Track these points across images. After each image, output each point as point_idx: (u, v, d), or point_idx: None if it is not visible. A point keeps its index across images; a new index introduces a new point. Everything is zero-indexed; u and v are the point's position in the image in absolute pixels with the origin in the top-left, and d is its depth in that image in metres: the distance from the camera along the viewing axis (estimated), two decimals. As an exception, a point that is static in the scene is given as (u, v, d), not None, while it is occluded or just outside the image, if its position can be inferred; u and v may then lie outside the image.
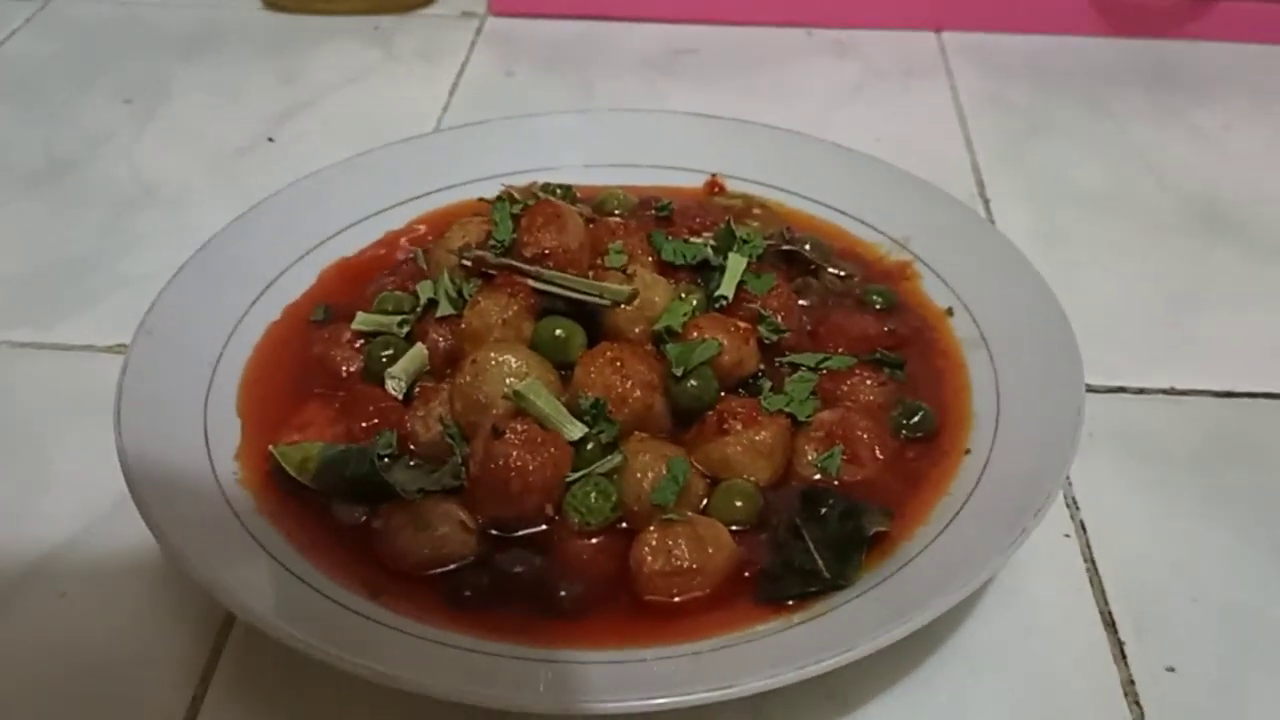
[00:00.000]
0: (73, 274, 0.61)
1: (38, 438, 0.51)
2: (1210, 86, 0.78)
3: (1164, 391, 0.54)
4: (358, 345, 0.49)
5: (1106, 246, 0.64)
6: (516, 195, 0.51)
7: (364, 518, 0.43)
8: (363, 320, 0.49)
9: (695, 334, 0.45)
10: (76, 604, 0.45)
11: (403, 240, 0.57)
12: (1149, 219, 0.66)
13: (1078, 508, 0.48)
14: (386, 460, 0.43)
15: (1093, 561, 0.46)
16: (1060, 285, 0.54)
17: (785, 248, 0.54)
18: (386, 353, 0.48)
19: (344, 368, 0.49)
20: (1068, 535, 0.47)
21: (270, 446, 0.44)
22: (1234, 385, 0.54)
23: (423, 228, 0.58)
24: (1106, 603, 0.45)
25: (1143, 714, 0.41)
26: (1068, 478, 0.49)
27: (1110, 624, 0.44)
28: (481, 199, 0.52)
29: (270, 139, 0.72)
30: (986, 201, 0.66)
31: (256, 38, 0.83)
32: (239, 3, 0.87)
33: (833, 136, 0.62)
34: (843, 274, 0.54)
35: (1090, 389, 0.53)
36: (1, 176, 0.68)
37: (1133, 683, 0.42)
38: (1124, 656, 0.43)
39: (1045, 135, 0.73)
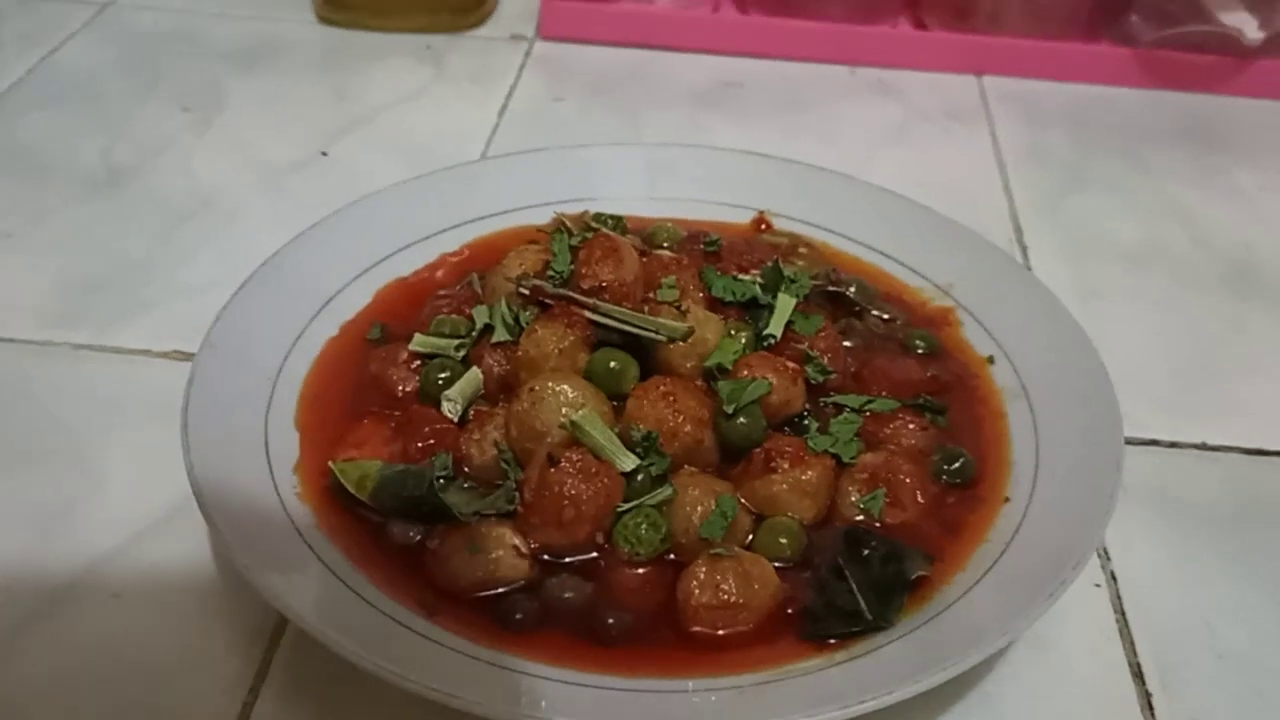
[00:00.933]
0: (130, 280, 0.62)
1: (93, 440, 0.52)
2: (1249, 145, 0.79)
3: (1196, 446, 0.55)
4: (414, 366, 0.50)
5: (1141, 301, 0.64)
6: (570, 225, 0.52)
7: (419, 537, 0.44)
8: (420, 342, 0.50)
9: (745, 372, 0.46)
10: (129, 606, 0.46)
11: (449, 261, 0.58)
12: (1184, 276, 0.67)
13: (1109, 558, 0.49)
14: (443, 482, 0.44)
15: (1122, 613, 0.47)
16: (1094, 337, 0.55)
17: (831, 289, 0.55)
18: (443, 375, 0.49)
19: (400, 387, 0.50)
20: (1098, 585, 0.48)
21: (330, 463, 0.46)
22: (1265, 444, 0.55)
23: (466, 251, 0.59)
24: (1135, 654, 0.46)
25: (1169, 767, 0.42)
26: (1100, 528, 0.50)
27: (1138, 675, 0.45)
28: (538, 229, 0.53)
29: (324, 153, 0.73)
30: (1024, 250, 0.67)
31: (310, 52, 0.85)
32: (293, 16, 0.89)
33: (874, 176, 0.63)
34: (886, 317, 0.55)
35: (1126, 441, 0.54)
36: (60, 180, 0.69)
37: (1159, 734, 0.43)
38: (1151, 708, 0.44)
39: (1084, 187, 0.74)
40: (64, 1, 0.89)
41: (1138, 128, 0.80)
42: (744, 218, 0.62)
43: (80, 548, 0.48)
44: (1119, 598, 0.48)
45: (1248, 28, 0.81)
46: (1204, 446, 0.55)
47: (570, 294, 0.48)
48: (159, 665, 0.44)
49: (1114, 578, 0.49)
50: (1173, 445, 0.55)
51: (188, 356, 0.55)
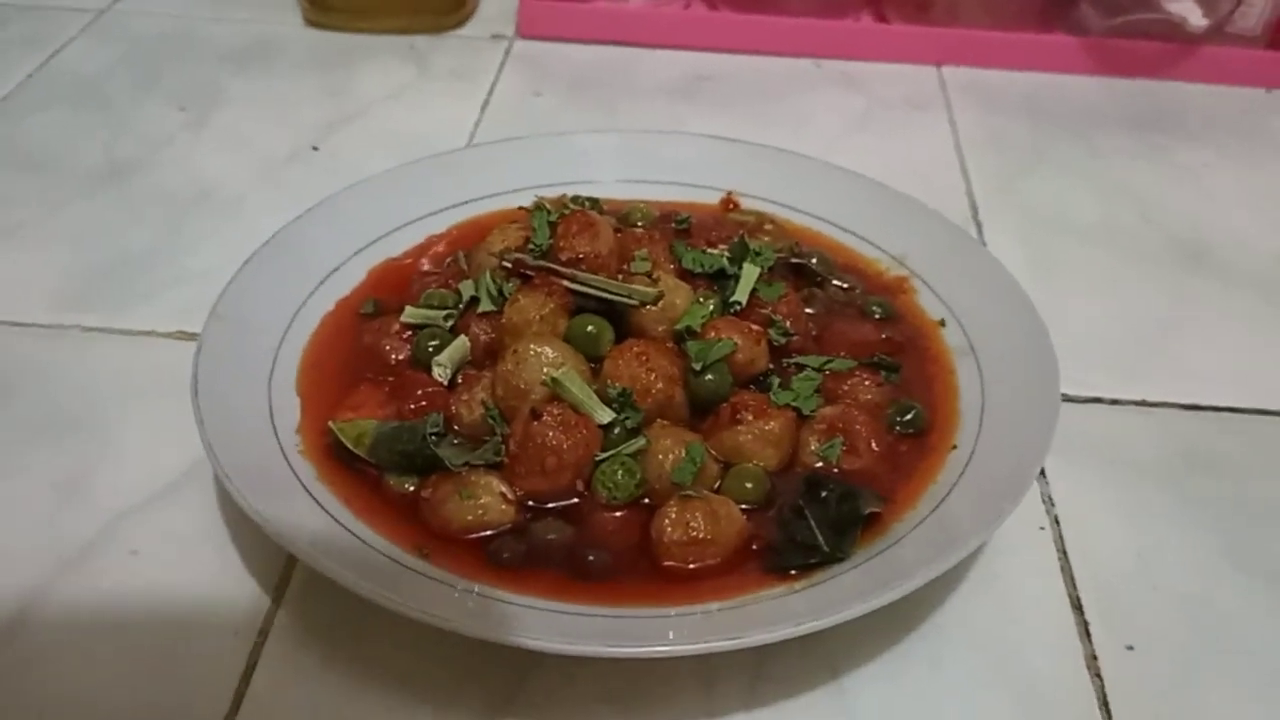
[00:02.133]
0: (135, 267, 0.65)
1: (107, 414, 0.56)
2: (1194, 126, 0.83)
3: (1136, 403, 0.59)
4: (405, 336, 0.54)
5: (1090, 274, 0.68)
6: (550, 206, 0.56)
7: (413, 488, 0.48)
8: (411, 314, 0.54)
9: (713, 334, 0.50)
10: (147, 560, 0.49)
11: (434, 245, 0.62)
12: (1132, 250, 0.71)
13: (1053, 504, 0.53)
14: (435, 437, 0.48)
15: (1064, 552, 0.51)
16: (1047, 307, 0.58)
17: (794, 261, 0.59)
18: (433, 343, 0.53)
19: (393, 356, 0.54)
20: (1042, 528, 0.52)
21: (329, 422, 0.49)
22: (1200, 400, 0.59)
23: (454, 232, 0.62)
24: (1075, 588, 0.49)
25: (1103, 685, 0.46)
26: (1044, 476, 0.54)
27: (1077, 607, 0.49)
28: (520, 208, 0.57)
29: (315, 148, 0.77)
30: (979, 227, 0.71)
31: (300, 53, 0.88)
32: (284, 19, 0.92)
33: (838, 162, 0.67)
34: (845, 286, 0.59)
35: (1070, 399, 0.59)
36: (66, 176, 0.73)
37: (1095, 658, 0.47)
38: (1088, 635, 0.48)
39: (1037, 168, 0.78)
40: (65, 7, 0.92)
41: (1089, 112, 0.84)
42: (713, 198, 0.65)
43: (99, 510, 0.51)
44: (1061, 538, 0.52)
45: (1192, 16, 0.85)
46: (1143, 403, 0.59)
47: (549, 265, 0.52)
48: (175, 613, 0.47)
49: (1057, 521, 0.52)
50: (1114, 402, 0.59)
51: (191, 336, 0.58)
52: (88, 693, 0.44)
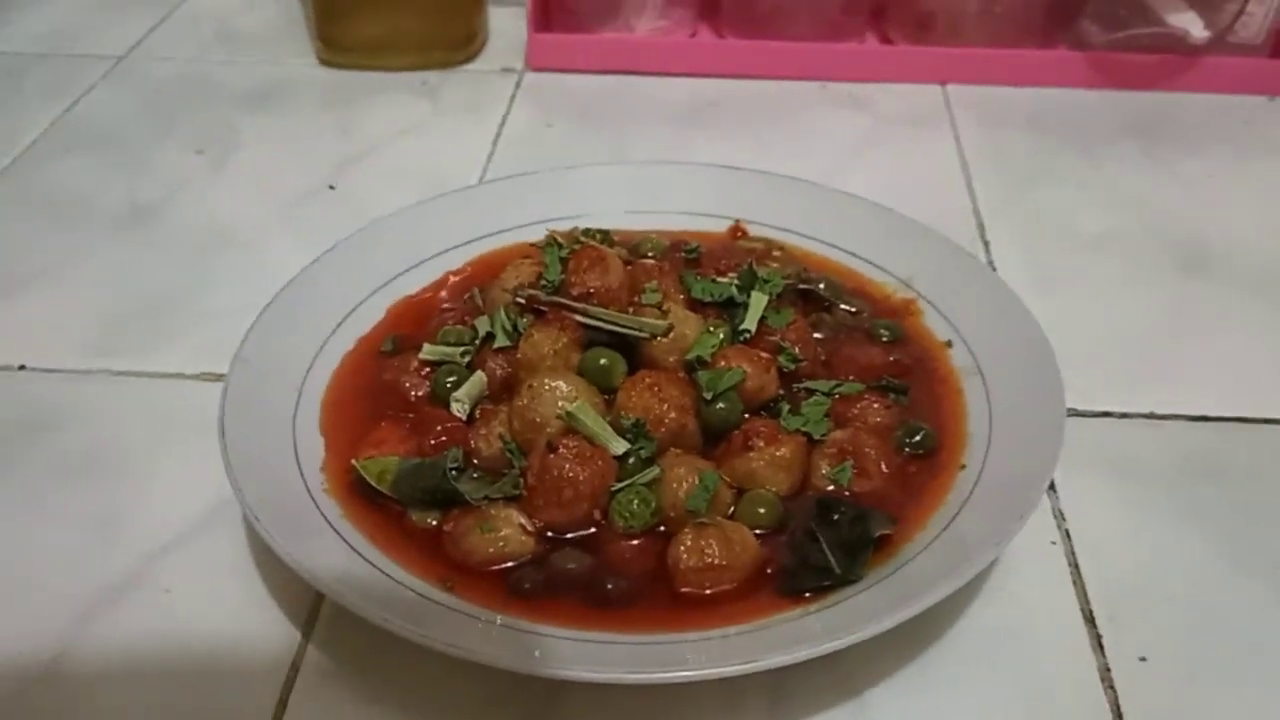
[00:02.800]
0: (161, 309, 0.67)
1: (137, 455, 0.57)
2: (1196, 137, 0.84)
3: (1144, 416, 0.60)
4: (424, 373, 0.56)
5: (1095, 285, 0.69)
6: (561, 240, 0.57)
7: (435, 522, 0.49)
8: (429, 351, 0.56)
9: (723, 363, 0.52)
10: (180, 598, 0.50)
11: (450, 279, 0.63)
12: (1137, 261, 0.71)
13: (1064, 518, 0.54)
14: (455, 472, 0.49)
15: (1076, 565, 0.52)
16: (1054, 321, 0.60)
17: (802, 286, 0.60)
18: (451, 379, 0.54)
19: (412, 392, 0.55)
20: (1054, 542, 0.53)
21: (353, 460, 0.51)
22: (1208, 410, 0.60)
23: (470, 268, 0.64)
24: (1087, 601, 0.50)
25: (1116, 696, 0.46)
26: (1054, 490, 0.55)
27: (1089, 619, 0.50)
28: (532, 244, 0.58)
29: (331, 186, 0.78)
30: (987, 244, 0.72)
31: (314, 92, 0.90)
32: (297, 60, 0.94)
33: (845, 183, 0.68)
34: (853, 310, 0.60)
35: (1077, 413, 0.60)
36: (91, 222, 0.75)
37: (1109, 669, 0.47)
38: (1101, 647, 0.48)
39: (1042, 183, 0.79)
40: (83, 56, 0.95)
41: (1092, 126, 0.85)
42: (721, 226, 0.67)
43: (131, 550, 0.52)
44: (1073, 553, 0.53)
45: (1193, 28, 0.86)
46: (1151, 415, 0.60)
47: (562, 300, 0.53)
48: (208, 649, 0.48)
49: (1068, 535, 0.53)
50: (1123, 416, 0.60)
51: (217, 377, 0.60)
52: (124, 729, 0.45)
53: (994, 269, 0.70)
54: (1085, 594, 0.51)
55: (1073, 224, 0.75)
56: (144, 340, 0.65)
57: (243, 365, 0.53)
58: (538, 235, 0.62)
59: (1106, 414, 0.60)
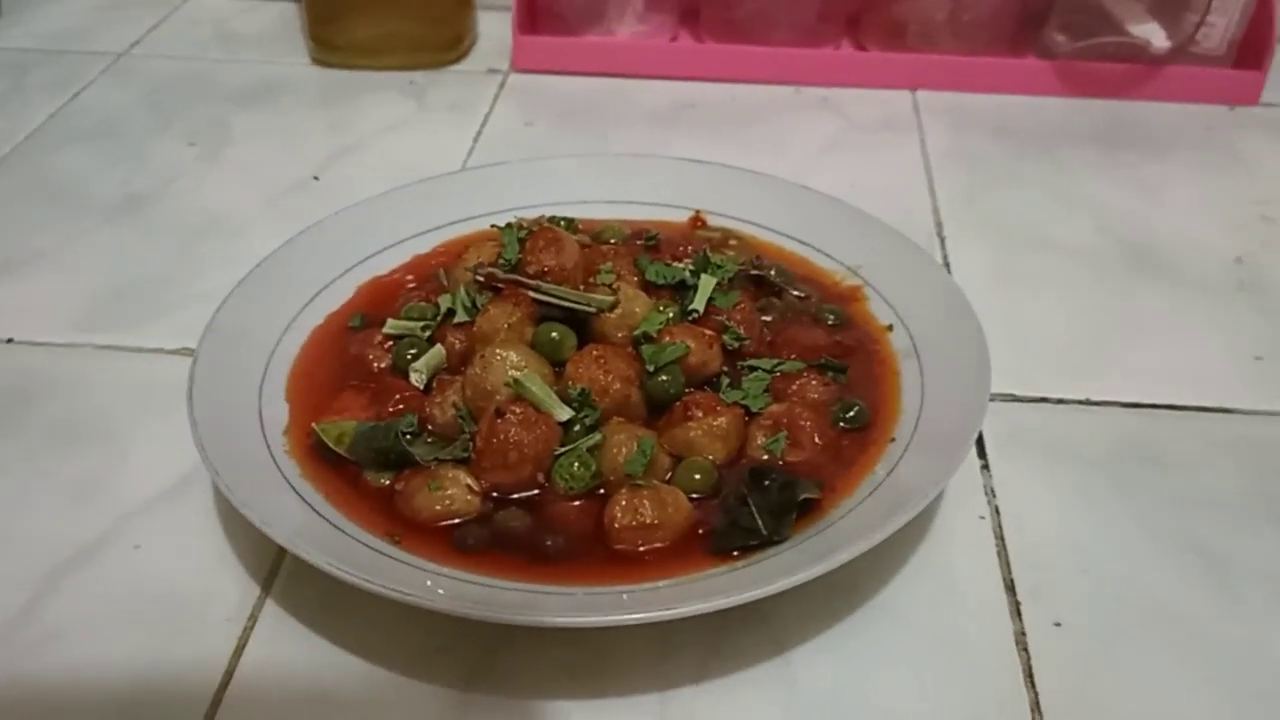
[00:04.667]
0: (147, 290, 0.70)
1: (116, 423, 0.60)
2: (1157, 143, 0.86)
3: (1080, 402, 0.62)
4: (387, 346, 0.58)
5: (1047, 283, 0.72)
6: (523, 224, 0.60)
7: (388, 482, 0.52)
8: (392, 325, 0.58)
9: (668, 338, 0.54)
10: (149, 554, 0.53)
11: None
12: (1089, 261, 0.74)
13: (994, 495, 0.57)
14: (409, 436, 0.52)
15: (1002, 539, 0.54)
16: (1002, 314, 0.63)
17: (754, 272, 0.63)
18: (411, 351, 0.57)
19: (375, 364, 0.58)
20: (982, 517, 0.55)
21: (313, 424, 0.54)
22: (1142, 398, 0.62)
23: (439, 251, 0.67)
24: (1009, 571, 0.53)
25: (1030, 659, 0.49)
26: (987, 469, 0.58)
27: (1010, 588, 0.52)
28: (494, 226, 0.61)
29: (315, 178, 0.82)
30: (943, 240, 0.75)
31: (305, 90, 0.94)
32: (290, 59, 0.98)
33: (812, 182, 0.70)
34: (802, 295, 0.63)
35: (1015, 398, 0.62)
36: (86, 208, 0.78)
37: (1024, 634, 0.50)
38: (1019, 613, 0.51)
39: (1002, 185, 0.81)
40: (84, 52, 0.98)
41: (1056, 131, 0.88)
42: (682, 216, 0.70)
43: (106, 510, 0.55)
44: (1000, 527, 0.55)
45: (1155, 38, 0.89)
46: (1087, 402, 0.62)
47: (517, 278, 0.56)
48: (174, 600, 0.51)
49: (997, 511, 0.56)
50: (1060, 401, 0.62)
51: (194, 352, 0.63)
52: (94, 669, 0.48)
53: (948, 265, 0.72)
54: (1008, 565, 0.53)
55: (1029, 225, 0.77)
56: (129, 318, 0.68)
57: (214, 334, 0.56)
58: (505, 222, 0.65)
59: (1044, 399, 0.62)
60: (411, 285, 0.63)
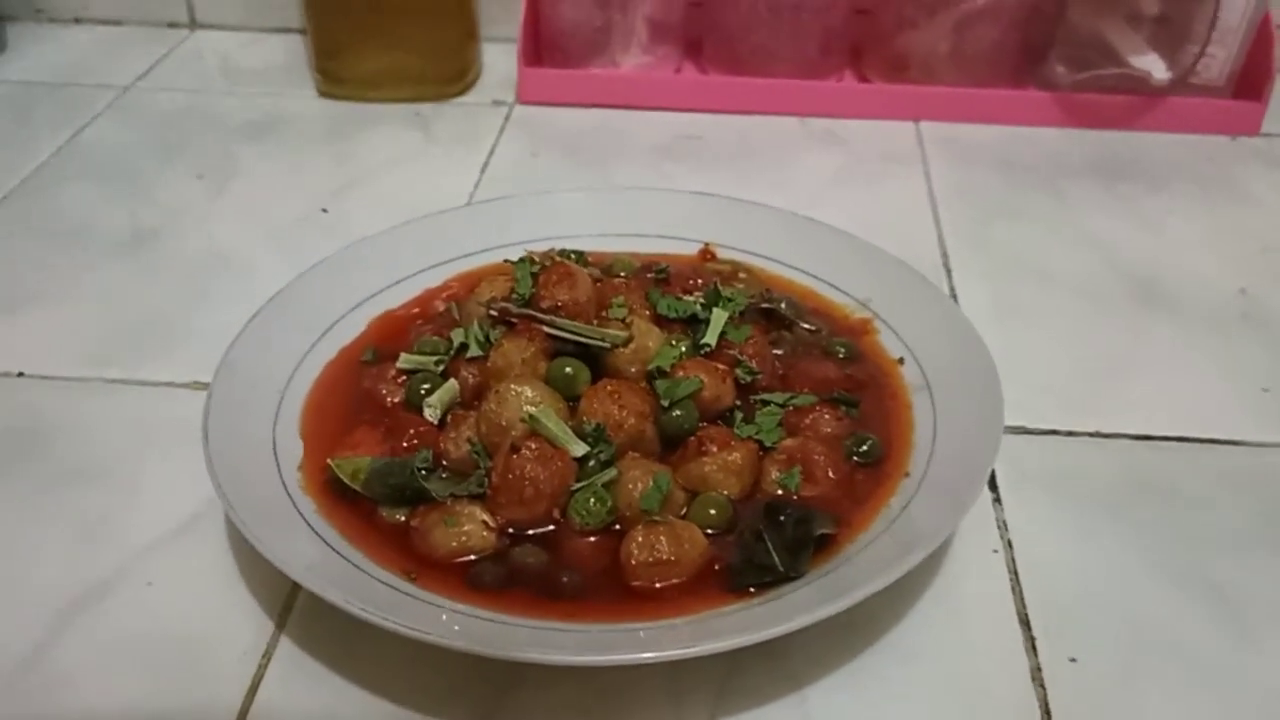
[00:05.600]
0: (157, 325, 0.70)
1: (127, 458, 0.60)
2: (1158, 175, 0.87)
3: (1090, 434, 0.62)
4: (400, 381, 0.58)
5: (1053, 316, 0.72)
6: (536, 258, 0.61)
7: (404, 518, 0.52)
8: (405, 360, 0.59)
9: (681, 373, 0.55)
10: (161, 592, 0.53)
11: (439, 301, 0.66)
12: (1093, 292, 0.74)
13: (1007, 529, 0.57)
14: (424, 472, 0.52)
15: (1015, 573, 0.54)
16: (1010, 346, 0.62)
17: (764, 305, 0.63)
18: (425, 386, 0.57)
19: (389, 399, 0.58)
20: (996, 551, 0.55)
21: (328, 460, 0.54)
22: (1150, 431, 0.63)
23: (450, 285, 0.67)
24: (1024, 605, 0.53)
25: (1045, 694, 0.49)
26: (999, 502, 0.58)
27: (1025, 622, 0.52)
28: (506, 260, 0.61)
29: (324, 210, 0.82)
30: (949, 272, 0.75)
31: (311, 122, 0.94)
32: (296, 92, 0.98)
33: (819, 214, 0.71)
34: (813, 329, 0.63)
35: (1025, 431, 0.62)
36: (93, 243, 0.78)
37: (1039, 669, 0.50)
38: (1034, 648, 0.51)
39: (1006, 217, 0.82)
40: (89, 86, 0.99)
41: (1057, 163, 0.88)
42: (692, 249, 0.70)
43: (118, 546, 0.55)
44: (1013, 560, 0.55)
45: (1156, 69, 0.89)
46: (1097, 434, 0.63)
47: (531, 313, 0.56)
48: (187, 638, 0.51)
49: (1010, 544, 0.56)
50: (1070, 434, 0.63)
51: (205, 386, 0.62)
52: (106, 708, 0.48)
53: (955, 297, 0.72)
54: (1023, 599, 0.53)
55: (1034, 256, 0.78)
56: (138, 353, 0.68)
57: (228, 370, 0.56)
58: (516, 256, 0.65)
59: (1053, 432, 0.63)
60: (421, 323, 0.63)
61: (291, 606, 0.52)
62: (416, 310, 0.65)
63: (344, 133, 0.92)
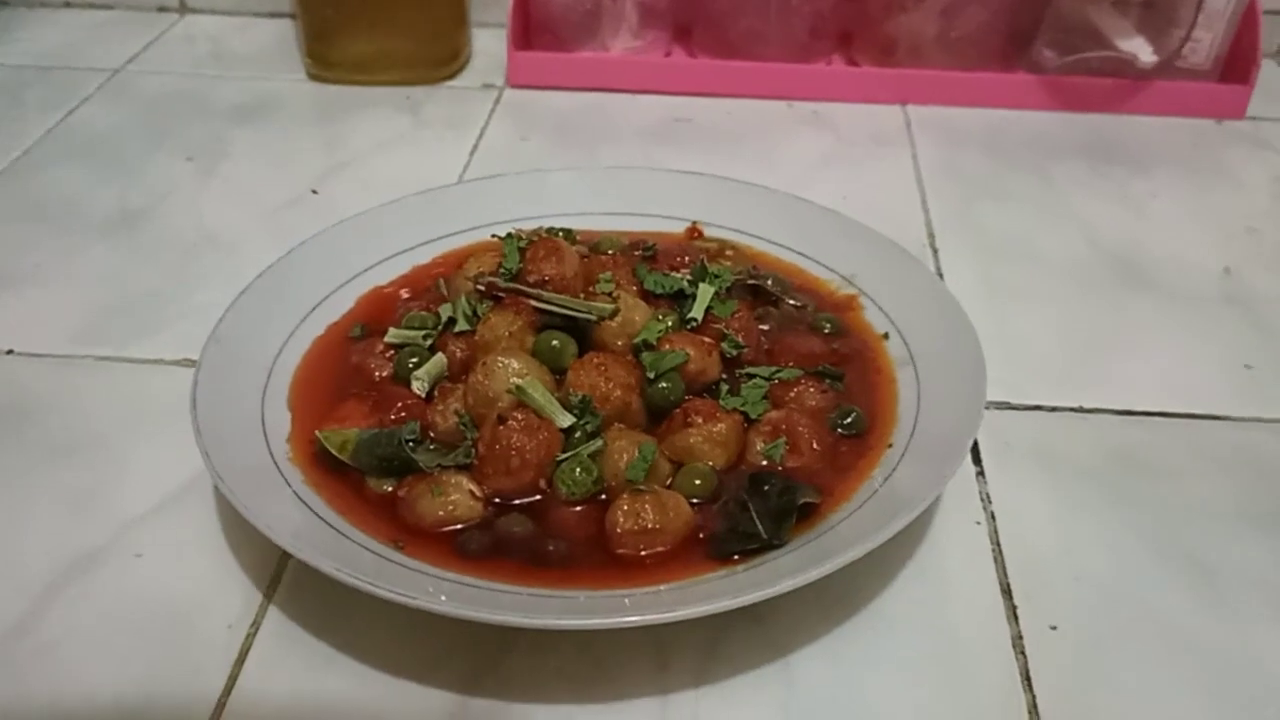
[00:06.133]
0: (146, 303, 0.70)
1: (116, 433, 0.60)
2: (1143, 157, 0.88)
3: (1073, 410, 0.63)
4: (388, 355, 0.59)
5: (1039, 295, 0.72)
6: (524, 234, 0.61)
7: (391, 489, 0.52)
8: (394, 334, 0.59)
9: (667, 346, 0.55)
10: (151, 562, 0.53)
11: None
12: (1079, 272, 0.75)
13: (990, 501, 0.57)
14: (411, 443, 0.52)
15: (998, 544, 0.55)
16: (995, 324, 0.63)
17: (751, 282, 0.63)
18: (413, 360, 0.57)
19: (377, 373, 0.58)
20: (979, 523, 0.56)
21: (316, 431, 0.54)
22: (1134, 406, 0.63)
23: (438, 262, 0.67)
24: (1006, 575, 0.53)
25: (1026, 661, 0.49)
26: (983, 475, 0.58)
27: (1007, 591, 0.52)
28: (494, 235, 0.62)
29: (314, 191, 0.82)
30: (935, 252, 0.76)
31: (301, 105, 0.94)
32: (286, 76, 0.98)
33: (808, 196, 0.71)
34: (799, 304, 0.63)
35: (1010, 406, 0.63)
36: (82, 224, 0.78)
37: (1020, 637, 0.50)
38: (1015, 617, 0.51)
39: (992, 198, 0.82)
40: (79, 70, 0.99)
41: (1044, 145, 0.89)
42: (679, 228, 0.70)
43: (108, 519, 0.55)
44: (996, 532, 0.55)
45: (1142, 53, 0.90)
46: (1080, 409, 0.63)
47: (518, 287, 0.56)
48: (176, 608, 0.51)
49: (993, 516, 0.56)
50: (1053, 409, 0.63)
51: (194, 363, 0.62)
52: (95, 677, 0.48)
53: (942, 277, 0.73)
54: (1005, 570, 0.54)
55: (1019, 237, 0.78)
56: (128, 331, 0.68)
57: (216, 344, 0.57)
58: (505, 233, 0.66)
59: (1037, 408, 0.63)
60: (407, 297, 0.63)
61: (280, 578, 0.52)
62: (402, 290, 0.65)
63: (334, 116, 0.93)
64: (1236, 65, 0.92)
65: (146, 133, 0.90)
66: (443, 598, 0.46)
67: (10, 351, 0.66)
